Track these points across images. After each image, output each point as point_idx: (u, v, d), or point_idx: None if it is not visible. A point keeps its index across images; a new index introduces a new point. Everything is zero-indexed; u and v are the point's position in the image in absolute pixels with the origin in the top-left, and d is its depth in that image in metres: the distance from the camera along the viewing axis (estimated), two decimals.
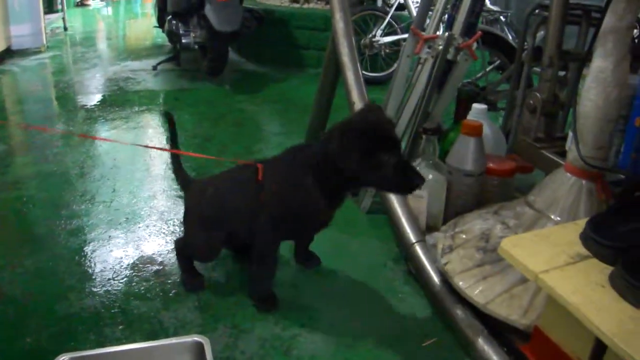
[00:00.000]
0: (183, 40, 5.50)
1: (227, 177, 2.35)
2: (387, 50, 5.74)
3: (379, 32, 5.66)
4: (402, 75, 2.86)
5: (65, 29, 9.62)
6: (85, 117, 4.70)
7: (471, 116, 2.65)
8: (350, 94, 2.76)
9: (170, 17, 5.71)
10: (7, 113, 4.97)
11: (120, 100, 5.21)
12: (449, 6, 2.80)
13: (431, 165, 2.40)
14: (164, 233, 2.80)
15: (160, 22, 6.69)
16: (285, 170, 2.13)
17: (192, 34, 5.52)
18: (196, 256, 2.38)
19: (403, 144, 2.86)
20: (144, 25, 10.92)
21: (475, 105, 2.68)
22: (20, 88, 5.92)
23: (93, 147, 3.99)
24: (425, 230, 2.44)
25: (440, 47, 2.62)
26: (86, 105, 5.08)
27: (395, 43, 5.75)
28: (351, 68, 2.79)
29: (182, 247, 2.37)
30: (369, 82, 2.76)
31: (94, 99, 5.31)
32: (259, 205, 2.11)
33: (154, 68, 6.33)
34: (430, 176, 2.38)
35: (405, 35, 5.48)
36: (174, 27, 5.58)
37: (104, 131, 4.35)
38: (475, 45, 2.63)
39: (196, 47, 5.63)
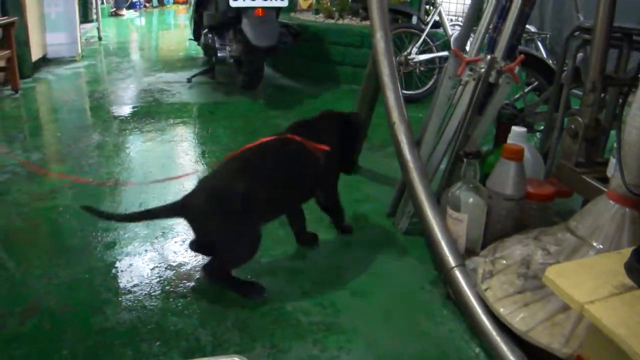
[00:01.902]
0: (219, 54, 5.53)
1: (265, 159, 2.48)
2: (422, 68, 5.73)
3: (415, 49, 5.64)
4: (444, 97, 2.86)
5: (100, 38, 9.74)
6: (119, 127, 4.75)
7: (511, 139, 2.64)
8: (390, 115, 2.76)
9: (206, 30, 5.74)
10: (42, 122, 5.06)
11: (154, 111, 5.26)
12: (490, 27, 2.80)
13: (472, 189, 2.39)
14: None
15: (196, 36, 6.75)
16: (328, 137, 2.61)
17: (228, 48, 5.55)
18: (241, 259, 2.40)
19: (442, 166, 2.87)
20: (177, 37, 11.01)
21: (515, 128, 2.68)
22: (54, 96, 6.00)
23: (128, 158, 4.03)
24: (464, 253, 2.43)
25: (483, 70, 2.61)
26: (121, 115, 5.14)
27: (430, 61, 5.74)
28: (392, 88, 2.79)
29: (219, 266, 2.39)
30: (404, 99, 2.77)
31: (129, 109, 5.37)
32: (318, 169, 2.55)
33: (189, 80, 6.40)
34: (471, 200, 2.37)
35: (441, 54, 5.50)
36: (210, 41, 5.61)
37: (139, 143, 4.39)
38: (516, 68, 2.62)
39: (232, 60, 5.65)
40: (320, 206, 2.85)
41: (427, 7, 6.71)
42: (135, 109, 5.36)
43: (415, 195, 2.55)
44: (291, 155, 2.51)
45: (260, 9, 5.10)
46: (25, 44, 6.44)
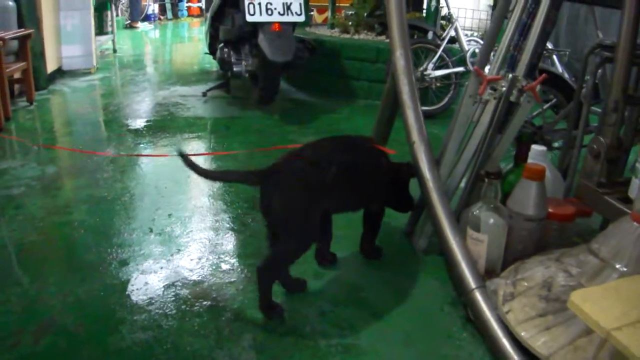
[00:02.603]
0: (235, 69, 5.55)
1: (348, 151, 2.57)
2: (438, 84, 5.71)
3: (431, 65, 5.63)
4: (464, 116, 2.83)
5: (115, 50, 9.81)
6: (134, 142, 4.76)
7: (531, 158, 2.62)
8: (410, 133, 2.75)
9: (222, 44, 5.76)
10: (57, 135, 5.06)
11: (169, 126, 5.27)
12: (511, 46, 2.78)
13: (492, 209, 2.36)
14: (217, 267, 2.79)
15: (212, 50, 6.76)
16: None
17: (244, 63, 5.56)
18: (302, 248, 2.39)
19: (462, 185, 2.85)
20: (192, 50, 11.06)
21: (535, 147, 2.65)
22: (69, 109, 6.03)
23: (143, 173, 4.03)
24: (484, 274, 2.40)
25: (504, 89, 2.60)
26: (135, 129, 5.15)
27: (447, 76, 5.72)
28: (412, 107, 2.78)
29: (275, 262, 2.37)
30: None
31: (143, 123, 5.38)
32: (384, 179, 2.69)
33: (204, 94, 6.42)
34: (492, 220, 2.35)
35: (457, 69, 5.49)
36: (225, 55, 5.62)
37: (154, 157, 4.39)
38: (538, 87, 2.60)
39: (247, 75, 5.66)
40: (366, 218, 2.83)
41: (443, 22, 6.68)
42: (150, 123, 5.37)
43: (434, 215, 2.53)
44: (370, 156, 2.66)
45: (277, 24, 5.10)
46: (40, 55, 6.50)
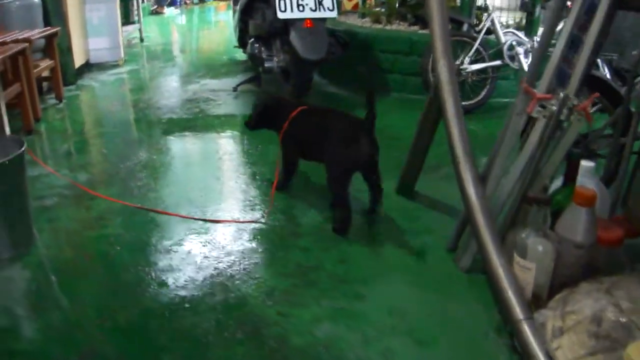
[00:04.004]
0: (266, 65, 5.54)
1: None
2: (474, 78, 5.66)
3: (467, 59, 5.56)
4: (512, 134, 2.80)
5: (142, 39, 9.86)
6: (166, 144, 4.80)
7: (579, 175, 2.59)
8: (454, 149, 2.71)
9: (252, 39, 5.75)
10: (87, 136, 5.11)
11: (201, 125, 5.31)
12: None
13: (540, 236, 2.35)
14: (259, 286, 2.80)
15: (241, 43, 6.76)
16: None
17: (276, 58, 5.55)
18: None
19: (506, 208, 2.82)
20: (219, 36, 11.08)
21: (583, 163, 2.62)
22: (98, 107, 6.09)
23: (176, 180, 4.06)
24: (531, 298, 2.39)
25: (554, 108, 2.55)
26: (166, 129, 5.19)
27: (483, 71, 5.65)
28: (456, 121, 2.74)
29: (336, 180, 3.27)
30: None
31: (175, 122, 5.41)
32: None
33: (235, 89, 6.41)
34: (540, 248, 2.33)
35: (493, 63, 5.43)
36: (256, 51, 5.61)
37: (186, 162, 4.42)
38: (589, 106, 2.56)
39: (279, 70, 5.64)
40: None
41: (478, 12, 6.59)
42: (181, 122, 5.41)
43: (479, 237, 2.51)
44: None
45: (308, 20, 5.09)
46: (68, 51, 6.55)
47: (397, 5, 7.12)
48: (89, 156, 4.57)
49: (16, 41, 5.06)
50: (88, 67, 7.45)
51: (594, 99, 3.68)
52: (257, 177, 4.09)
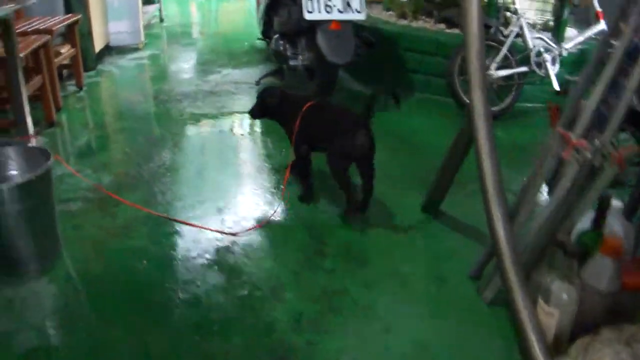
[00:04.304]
0: (291, 63, 5.53)
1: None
2: (501, 84, 5.64)
3: (494, 64, 5.53)
4: (543, 173, 2.83)
5: (162, 19, 9.87)
6: (190, 143, 4.89)
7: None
8: (484, 182, 2.71)
9: (277, 36, 5.76)
10: (108, 131, 5.16)
11: (224, 123, 5.39)
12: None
13: (566, 283, 2.39)
14: (286, 311, 2.84)
15: (265, 34, 6.77)
16: None
17: (300, 57, 5.53)
18: None
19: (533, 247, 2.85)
20: (240, 17, 11.08)
21: (613, 203, 2.66)
22: (119, 96, 6.14)
23: (201, 184, 4.13)
24: (552, 341, 2.44)
25: (589, 155, 2.55)
26: (189, 126, 5.26)
27: (509, 76, 5.61)
28: (489, 154, 2.72)
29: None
30: None
31: (197, 118, 5.46)
32: None
33: (257, 83, 6.42)
34: (565, 296, 2.36)
35: (520, 69, 5.41)
36: (281, 48, 5.62)
37: (210, 164, 4.51)
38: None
39: (303, 68, 5.65)
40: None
41: (507, 14, 6.53)
42: (204, 118, 5.46)
43: (505, 277, 2.51)
44: None
45: (335, 22, 5.08)
46: (88, 36, 6.60)
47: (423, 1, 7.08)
48: (112, 154, 4.62)
49: (37, 31, 5.10)
50: (108, 50, 7.47)
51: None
52: (281, 183, 4.11)
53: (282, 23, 5.76)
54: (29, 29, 5.13)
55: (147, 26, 8.94)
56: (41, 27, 5.22)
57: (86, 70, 6.43)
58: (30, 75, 4.81)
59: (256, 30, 7.35)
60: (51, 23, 5.42)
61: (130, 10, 7.69)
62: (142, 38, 7.94)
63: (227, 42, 8.82)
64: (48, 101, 5.00)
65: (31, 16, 5.59)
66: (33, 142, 4.08)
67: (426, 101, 6.11)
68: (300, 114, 3.77)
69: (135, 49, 7.80)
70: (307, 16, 5.03)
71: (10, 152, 3.24)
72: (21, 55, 4.23)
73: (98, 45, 6.95)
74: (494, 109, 5.60)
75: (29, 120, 4.17)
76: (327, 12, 5.08)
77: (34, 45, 4.66)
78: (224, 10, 12.02)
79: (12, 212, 2.89)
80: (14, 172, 3.24)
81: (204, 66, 7.32)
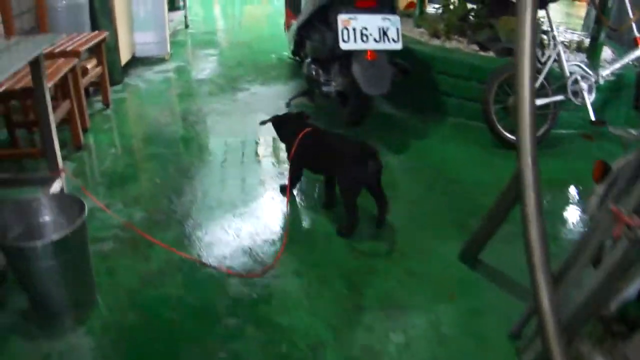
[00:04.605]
0: (324, 89, 5.48)
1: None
2: (537, 112, 5.56)
3: None
4: (591, 248, 2.82)
5: (187, 26, 9.89)
6: (221, 174, 4.88)
7: None
8: (531, 254, 2.68)
9: (309, 60, 5.74)
10: (137, 158, 5.15)
11: (253, 148, 5.38)
12: None
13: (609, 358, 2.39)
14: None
15: (296, 53, 6.78)
16: None
17: (334, 83, 5.49)
18: None
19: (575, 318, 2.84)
20: (267, 26, 11.09)
21: None
22: (147, 116, 6.12)
23: (237, 228, 4.08)
24: None
25: None
26: (219, 152, 5.28)
27: (544, 105, 5.53)
28: (536, 225, 2.72)
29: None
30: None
31: (227, 143, 5.46)
32: None
33: (288, 105, 6.40)
34: None
35: (556, 98, 5.35)
36: (313, 73, 5.59)
37: (243, 199, 4.46)
38: None
39: (335, 95, 5.61)
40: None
41: (543, 36, 6.44)
42: (235, 143, 5.46)
43: (548, 347, 2.50)
44: None
45: (371, 52, 5.05)
46: (115, 49, 6.64)
47: (457, 20, 7.04)
48: (141, 185, 4.61)
49: (64, 53, 5.12)
50: (134, 61, 7.50)
51: None
52: (321, 227, 4.13)
53: (315, 49, 5.74)
54: (56, 50, 5.13)
55: (173, 34, 8.96)
56: (68, 49, 5.23)
57: (112, 84, 6.47)
58: (57, 100, 4.83)
59: (283, 41, 7.33)
60: (78, 43, 5.42)
61: (156, 21, 7.73)
62: (169, 49, 7.97)
63: (253, 53, 8.80)
64: (76, 125, 5.03)
65: (58, 32, 5.59)
66: (62, 176, 4.06)
67: (460, 126, 6.06)
68: (297, 140, 4.18)
69: (162, 60, 7.83)
70: (343, 46, 4.99)
71: (44, 199, 3.27)
72: (49, 85, 4.23)
73: (124, 58, 7.00)
74: None
75: (58, 150, 4.15)
76: (363, 41, 5.03)
77: (62, 73, 4.67)
78: (248, 14, 12.02)
79: (46, 267, 2.92)
80: (47, 219, 3.27)
81: (232, 83, 7.29)
